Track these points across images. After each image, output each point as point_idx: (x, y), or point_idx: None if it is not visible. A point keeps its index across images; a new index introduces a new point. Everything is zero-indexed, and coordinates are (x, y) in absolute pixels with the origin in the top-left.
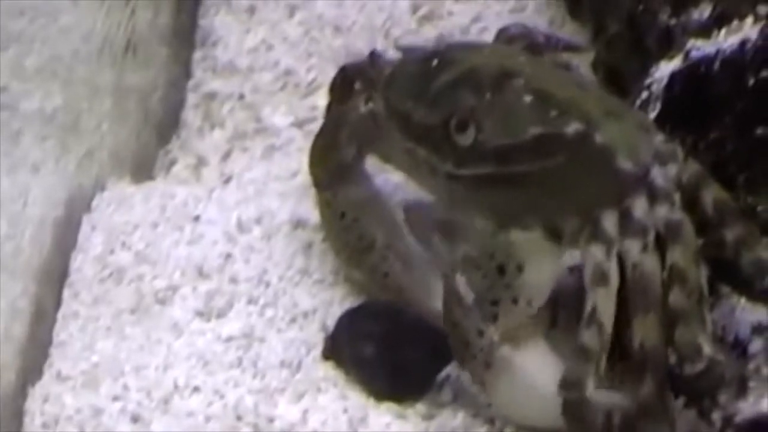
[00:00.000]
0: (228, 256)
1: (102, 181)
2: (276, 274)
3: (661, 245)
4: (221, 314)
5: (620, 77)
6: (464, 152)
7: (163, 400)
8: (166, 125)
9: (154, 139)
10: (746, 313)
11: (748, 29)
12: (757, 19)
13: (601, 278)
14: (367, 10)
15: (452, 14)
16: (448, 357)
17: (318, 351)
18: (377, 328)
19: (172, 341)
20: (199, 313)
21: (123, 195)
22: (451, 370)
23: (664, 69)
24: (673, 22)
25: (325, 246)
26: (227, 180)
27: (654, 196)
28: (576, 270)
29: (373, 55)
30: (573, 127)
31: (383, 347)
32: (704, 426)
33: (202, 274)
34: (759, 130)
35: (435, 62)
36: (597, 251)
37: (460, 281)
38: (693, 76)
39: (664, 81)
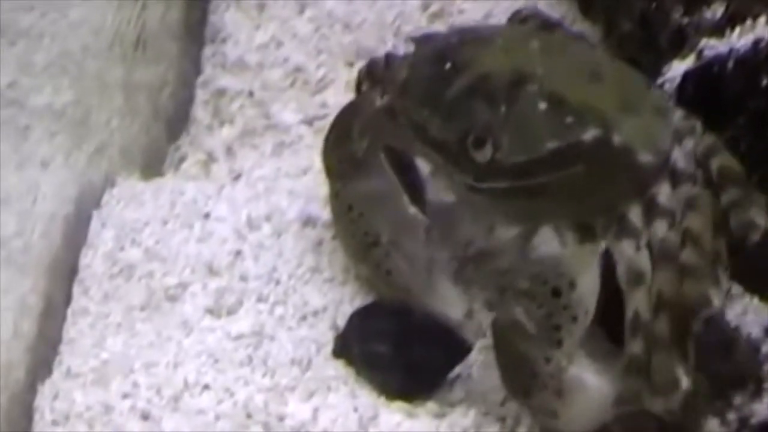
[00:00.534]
0: (238, 253)
1: (112, 177)
2: (286, 271)
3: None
4: (231, 312)
5: None
6: (483, 167)
7: (173, 398)
8: (176, 121)
9: (163, 136)
10: (759, 313)
11: (761, 28)
12: None
13: (637, 278)
14: (378, 7)
15: (463, 11)
16: (458, 356)
17: (328, 349)
18: (388, 326)
19: (182, 339)
20: (209, 311)
21: (133, 191)
22: (461, 368)
23: (677, 68)
24: (685, 21)
25: (335, 244)
26: (237, 177)
27: (676, 178)
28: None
29: (389, 57)
30: (590, 134)
31: (394, 346)
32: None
33: (212, 271)
34: None
35: (448, 65)
36: (627, 247)
37: (519, 312)
38: (706, 75)
39: (677, 80)
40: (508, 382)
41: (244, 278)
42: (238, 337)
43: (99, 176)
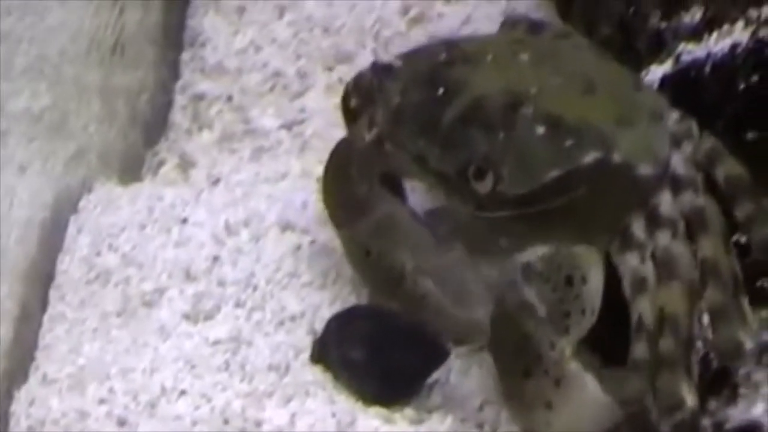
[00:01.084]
0: (215, 258)
1: (89, 182)
2: (264, 277)
3: (690, 231)
4: (209, 317)
5: None
6: (484, 198)
7: (150, 404)
8: (154, 126)
9: (141, 141)
10: None
11: (739, 33)
12: (747, 23)
13: (641, 284)
14: (357, 12)
15: (442, 16)
16: (437, 361)
17: (306, 354)
18: (366, 331)
19: (159, 344)
20: (186, 316)
21: (110, 196)
22: (439, 374)
23: (655, 73)
24: (663, 25)
25: (313, 248)
26: (215, 182)
27: (677, 185)
28: None
29: (375, 71)
30: (591, 156)
31: (372, 351)
32: None
33: (189, 276)
34: (750, 134)
35: (441, 90)
36: (631, 259)
37: (530, 293)
38: (684, 80)
39: (655, 85)
40: (506, 363)
41: (221, 283)
42: (216, 342)
43: (76, 181)
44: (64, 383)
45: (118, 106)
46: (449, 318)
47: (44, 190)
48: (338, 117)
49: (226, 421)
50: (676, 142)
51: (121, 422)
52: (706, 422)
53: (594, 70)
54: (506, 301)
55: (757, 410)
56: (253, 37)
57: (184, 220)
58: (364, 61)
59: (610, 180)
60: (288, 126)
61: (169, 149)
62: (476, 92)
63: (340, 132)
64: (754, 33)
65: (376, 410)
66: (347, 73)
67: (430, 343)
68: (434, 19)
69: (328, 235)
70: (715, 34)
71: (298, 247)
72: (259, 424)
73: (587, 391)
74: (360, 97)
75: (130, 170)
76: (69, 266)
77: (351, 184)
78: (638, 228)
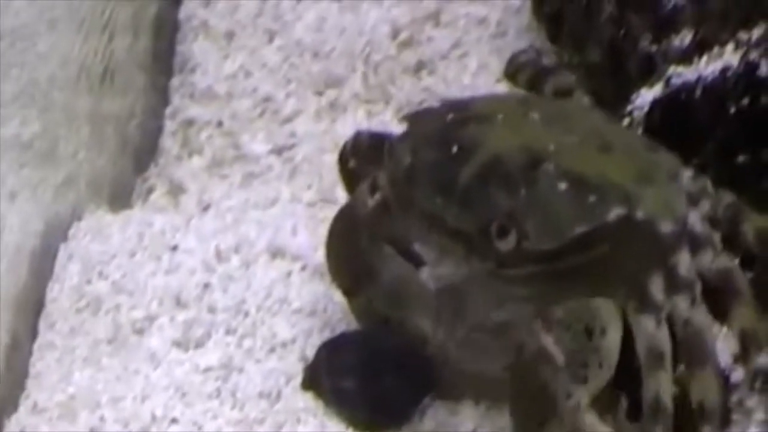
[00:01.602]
0: (206, 285)
1: (79, 209)
2: (254, 303)
3: (707, 293)
4: (199, 344)
5: (601, 103)
6: (505, 255)
7: None
8: (144, 152)
9: (131, 167)
10: (727, 341)
11: (729, 56)
12: (738, 46)
13: (658, 359)
14: (347, 36)
15: (432, 40)
16: (428, 386)
17: (297, 381)
18: (357, 358)
19: (149, 372)
20: (177, 344)
21: (100, 224)
22: (431, 400)
23: (645, 96)
24: (654, 48)
25: (304, 275)
26: (205, 208)
27: (695, 244)
28: None
29: (374, 135)
30: (615, 213)
31: (363, 377)
32: None
33: (179, 303)
34: (740, 158)
35: (455, 149)
36: (647, 323)
37: (548, 341)
38: (674, 103)
39: (645, 108)
40: (521, 410)
41: (212, 310)
42: (207, 369)
43: (66, 209)
44: (55, 412)
45: (107, 133)
46: (471, 379)
47: (34, 218)
48: (328, 141)
49: None
50: (693, 201)
51: None
52: None
53: (606, 130)
54: (525, 348)
55: None
56: (243, 62)
57: (174, 247)
58: (354, 84)
59: (632, 237)
60: (278, 151)
61: (159, 175)
62: (493, 150)
63: (330, 157)
64: (744, 56)
65: None
66: (337, 97)
67: (422, 367)
68: (424, 43)
69: (318, 261)
70: (705, 57)
71: (289, 274)
72: None
73: None
74: (358, 159)
75: (120, 197)
76: (59, 294)
77: (358, 254)
78: (656, 288)
